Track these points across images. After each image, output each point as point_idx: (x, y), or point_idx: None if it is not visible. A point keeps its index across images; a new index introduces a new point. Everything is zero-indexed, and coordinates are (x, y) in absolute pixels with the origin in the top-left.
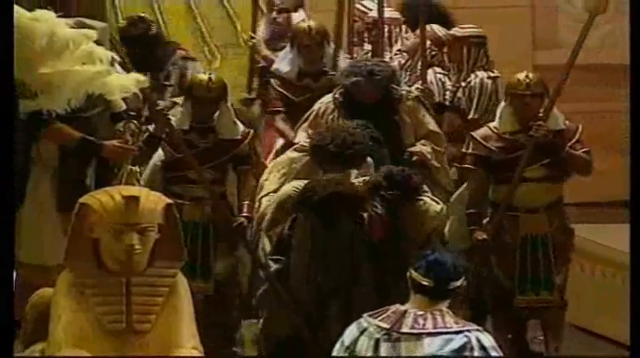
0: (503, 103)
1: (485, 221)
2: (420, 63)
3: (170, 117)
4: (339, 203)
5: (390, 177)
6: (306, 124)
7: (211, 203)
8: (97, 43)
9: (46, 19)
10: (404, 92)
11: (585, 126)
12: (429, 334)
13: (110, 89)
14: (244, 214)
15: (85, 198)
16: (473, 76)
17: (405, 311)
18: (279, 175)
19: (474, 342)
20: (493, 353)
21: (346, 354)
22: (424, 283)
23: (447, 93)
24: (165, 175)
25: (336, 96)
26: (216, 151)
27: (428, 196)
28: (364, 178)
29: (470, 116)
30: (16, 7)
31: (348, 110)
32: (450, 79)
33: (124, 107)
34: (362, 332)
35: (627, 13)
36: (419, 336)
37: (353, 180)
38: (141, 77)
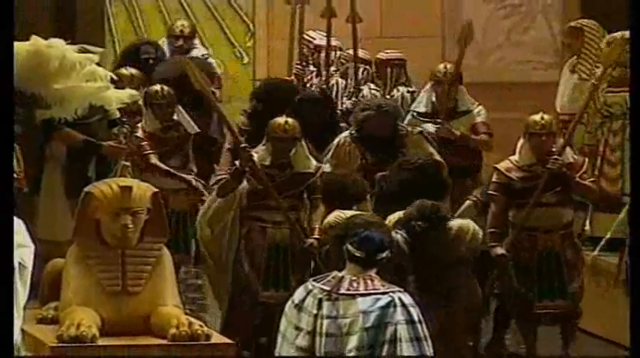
0: (522, 140)
1: (507, 239)
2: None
3: (252, 154)
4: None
5: (421, 210)
6: (329, 156)
7: (289, 227)
8: (98, 64)
9: (57, 46)
10: (409, 128)
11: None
12: (362, 294)
13: (109, 101)
14: (315, 236)
15: (89, 187)
16: (395, 90)
17: (342, 277)
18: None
19: (397, 300)
20: (411, 310)
21: (295, 310)
22: (357, 254)
23: None
24: (249, 202)
25: (352, 132)
26: (293, 183)
27: (459, 221)
28: (398, 214)
29: None
30: (34, 37)
31: (362, 143)
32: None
33: (119, 115)
34: (308, 293)
35: (517, 42)
36: (353, 296)
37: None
38: (134, 92)
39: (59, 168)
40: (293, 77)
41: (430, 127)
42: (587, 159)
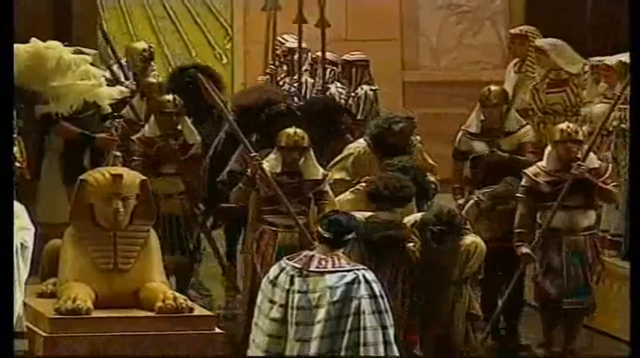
0: (549, 147)
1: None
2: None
3: (263, 162)
4: (388, 242)
5: (438, 214)
6: (347, 164)
7: (299, 231)
8: (91, 64)
9: (55, 47)
10: (412, 138)
11: (434, 122)
12: (330, 272)
13: (101, 97)
14: None
15: (84, 175)
16: (359, 89)
17: (313, 256)
18: None
19: (361, 277)
20: (374, 285)
21: (270, 286)
22: (326, 235)
23: (342, 101)
24: (261, 207)
25: (368, 140)
26: (301, 189)
27: (472, 236)
28: (414, 217)
29: (357, 117)
30: (34, 39)
31: (381, 151)
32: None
33: (110, 110)
34: (282, 270)
35: (467, 45)
36: (322, 273)
37: (403, 221)
38: (124, 89)
39: (57, 158)
40: (267, 76)
41: (481, 146)
42: (610, 166)
